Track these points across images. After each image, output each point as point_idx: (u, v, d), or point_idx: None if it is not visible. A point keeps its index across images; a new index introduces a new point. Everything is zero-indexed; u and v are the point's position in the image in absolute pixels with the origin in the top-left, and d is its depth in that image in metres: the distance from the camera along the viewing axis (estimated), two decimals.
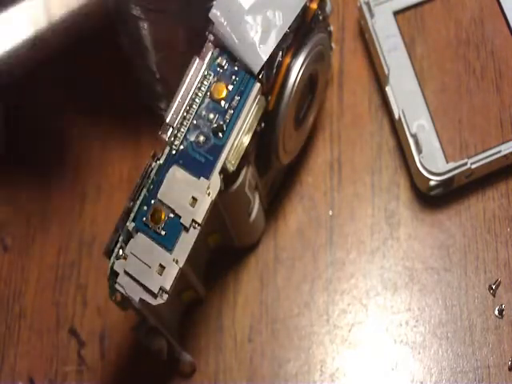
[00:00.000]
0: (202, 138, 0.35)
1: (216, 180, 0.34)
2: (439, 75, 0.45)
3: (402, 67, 0.44)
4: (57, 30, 0.38)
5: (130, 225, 0.34)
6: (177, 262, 0.34)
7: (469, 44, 0.45)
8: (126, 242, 0.34)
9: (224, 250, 0.43)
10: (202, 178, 0.34)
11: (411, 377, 0.41)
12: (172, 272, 0.33)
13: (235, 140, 0.35)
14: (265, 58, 0.34)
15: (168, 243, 0.34)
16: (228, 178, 0.35)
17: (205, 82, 0.35)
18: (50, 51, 0.38)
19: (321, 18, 0.39)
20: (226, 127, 0.35)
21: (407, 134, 0.43)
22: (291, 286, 0.43)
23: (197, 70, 0.35)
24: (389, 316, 0.42)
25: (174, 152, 0.35)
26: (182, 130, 0.35)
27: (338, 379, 0.41)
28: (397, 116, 0.44)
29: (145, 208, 0.34)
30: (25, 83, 0.39)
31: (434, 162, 0.42)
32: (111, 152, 0.46)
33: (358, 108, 0.46)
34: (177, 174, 0.34)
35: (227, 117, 0.35)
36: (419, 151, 0.42)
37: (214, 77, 0.35)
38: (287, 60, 0.37)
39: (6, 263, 0.45)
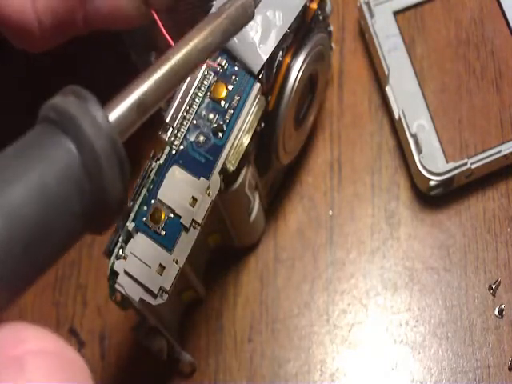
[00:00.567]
0: (201, 138, 0.35)
1: (216, 180, 0.34)
2: (439, 75, 0.45)
3: (402, 67, 0.44)
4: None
5: (130, 225, 0.34)
6: (177, 262, 0.34)
7: (469, 44, 0.45)
8: (126, 241, 0.34)
9: (224, 250, 0.43)
10: (202, 177, 0.34)
11: (411, 377, 0.41)
12: (172, 272, 0.33)
13: (235, 140, 0.35)
14: (265, 57, 0.34)
15: (168, 243, 0.34)
16: (228, 177, 0.35)
17: (205, 82, 0.35)
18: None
19: (321, 18, 0.39)
20: (226, 127, 0.35)
21: (407, 133, 0.43)
22: (291, 286, 0.43)
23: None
24: (389, 316, 0.42)
25: (173, 152, 0.35)
26: (182, 129, 0.35)
27: (338, 379, 0.41)
28: (397, 116, 0.44)
29: (145, 208, 0.34)
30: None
31: (434, 162, 0.42)
32: None
33: (358, 108, 0.46)
34: (177, 173, 0.34)
35: (227, 117, 0.35)
36: (419, 151, 0.42)
37: (213, 77, 0.35)
38: (287, 60, 0.37)
39: None
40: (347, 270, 0.43)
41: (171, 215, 0.34)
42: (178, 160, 0.35)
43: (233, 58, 0.35)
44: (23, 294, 0.21)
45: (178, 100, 0.35)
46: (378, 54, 0.45)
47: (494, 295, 0.42)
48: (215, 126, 0.35)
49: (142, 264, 0.34)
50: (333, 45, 0.43)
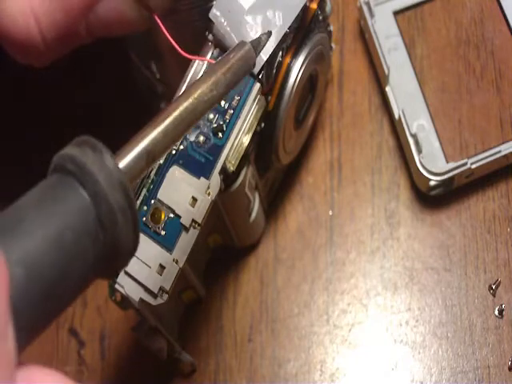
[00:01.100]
0: (201, 138, 0.35)
1: (216, 180, 0.34)
2: (439, 75, 0.45)
3: (402, 67, 0.44)
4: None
5: None
6: (177, 262, 0.34)
7: (469, 44, 0.45)
8: None
9: (224, 250, 0.43)
10: (202, 177, 0.34)
11: (411, 377, 0.41)
12: (172, 272, 0.33)
13: (235, 140, 0.34)
14: (265, 57, 0.34)
15: (168, 243, 0.34)
16: (228, 177, 0.35)
17: None
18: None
19: (321, 18, 0.39)
20: (226, 127, 0.35)
21: (407, 134, 0.43)
22: (291, 286, 0.43)
23: (197, 70, 0.35)
24: (389, 316, 0.42)
25: (173, 152, 0.35)
26: None
27: (338, 379, 0.41)
28: (397, 116, 0.44)
29: (145, 208, 0.34)
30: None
31: (434, 162, 0.42)
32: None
33: (358, 108, 0.46)
34: (177, 173, 0.34)
35: (227, 117, 0.35)
36: (419, 151, 0.42)
37: None
38: (287, 60, 0.37)
39: None
40: (347, 270, 0.43)
41: (171, 215, 0.34)
42: (177, 160, 0.35)
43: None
44: (40, 335, 0.22)
45: None
46: (377, 54, 0.45)
47: (494, 295, 0.42)
48: (215, 126, 0.35)
49: (142, 264, 0.34)
50: (333, 45, 0.43)
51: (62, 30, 0.33)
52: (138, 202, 0.34)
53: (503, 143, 0.43)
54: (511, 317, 0.41)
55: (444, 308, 0.42)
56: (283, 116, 0.37)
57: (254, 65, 0.30)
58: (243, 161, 0.36)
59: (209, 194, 0.34)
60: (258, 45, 0.31)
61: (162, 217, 0.34)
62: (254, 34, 0.34)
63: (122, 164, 0.25)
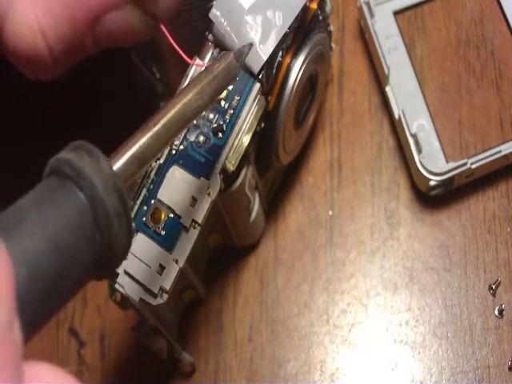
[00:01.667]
0: (201, 138, 0.35)
1: (216, 180, 0.34)
2: (439, 75, 0.45)
3: (402, 67, 0.44)
4: None
5: None
6: (177, 261, 0.34)
7: (469, 44, 0.45)
8: None
9: (224, 250, 0.43)
10: (202, 178, 0.34)
11: (411, 377, 0.41)
12: (172, 272, 0.33)
13: (235, 140, 0.34)
14: (265, 57, 0.34)
15: (168, 243, 0.34)
16: (228, 177, 0.35)
17: None
18: None
19: (321, 18, 0.39)
20: (226, 127, 0.35)
21: (407, 134, 0.43)
22: (291, 286, 0.43)
23: (197, 71, 0.35)
24: (389, 316, 0.42)
25: (173, 152, 0.35)
26: None
27: (338, 379, 0.41)
28: (397, 116, 0.44)
29: (145, 208, 0.34)
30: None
31: (434, 162, 0.42)
32: (111, 152, 0.46)
33: (358, 108, 0.46)
34: (177, 173, 0.34)
35: (227, 117, 0.35)
36: (419, 151, 0.42)
37: None
38: (287, 60, 0.37)
39: None
40: (347, 270, 0.43)
41: (171, 215, 0.34)
42: (177, 160, 0.35)
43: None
44: (39, 331, 0.23)
45: None
46: (377, 54, 0.45)
47: (494, 295, 0.42)
48: (215, 125, 0.35)
49: (142, 264, 0.34)
50: (333, 45, 0.43)
51: (68, 43, 0.34)
52: (138, 202, 0.34)
53: (503, 143, 0.43)
54: (511, 317, 0.41)
55: (444, 308, 0.42)
56: (283, 116, 0.37)
57: (237, 76, 0.31)
58: (243, 161, 0.36)
59: (209, 194, 0.34)
60: (240, 56, 0.32)
61: (162, 217, 0.34)
62: (253, 33, 0.34)
63: (115, 168, 0.26)
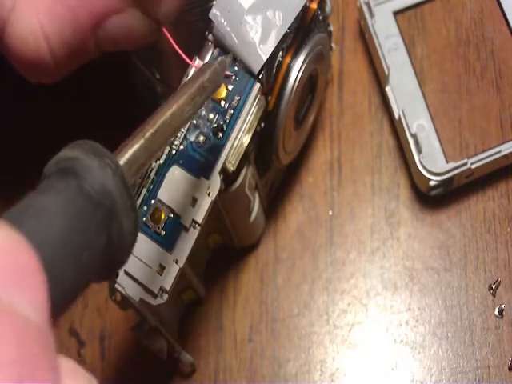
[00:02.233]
0: (201, 138, 0.35)
1: (216, 180, 0.34)
2: (439, 75, 0.45)
3: (402, 67, 0.44)
4: None
5: None
6: (177, 262, 0.34)
7: (469, 44, 0.45)
8: None
9: (224, 250, 0.43)
10: (202, 177, 0.34)
11: (411, 377, 0.41)
12: (172, 272, 0.33)
13: (235, 140, 0.34)
14: (265, 57, 0.34)
15: (168, 243, 0.34)
16: (228, 177, 0.35)
17: None
18: None
19: (321, 18, 0.39)
20: (226, 127, 0.35)
21: (407, 133, 0.43)
22: (291, 286, 0.43)
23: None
24: (389, 316, 0.42)
25: (173, 152, 0.35)
26: (182, 129, 0.35)
27: (337, 379, 0.41)
28: (397, 116, 0.44)
29: (145, 208, 0.34)
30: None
31: (434, 162, 0.42)
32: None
33: (358, 108, 0.46)
34: (177, 173, 0.34)
35: (227, 117, 0.35)
36: (419, 151, 0.42)
37: None
38: (287, 60, 0.37)
39: None
40: (347, 270, 0.43)
41: (171, 215, 0.34)
42: (177, 160, 0.35)
43: (233, 58, 0.35)
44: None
45: None
46: (377, 54, 0.45)
47: (494, 295, 0.42)
48: (215, 125, 0.35)
49: (142, 264, 0.34)
50: (333, 45, 0.43)
51: (71, 48, 0.34)
52: (138, 202, 0.34)
53: (503, 143, 0.43)
54: (511, 317, 0.41)
55: (444, 308, 0.42)
56: (283, 116, 0.37)
57: (221, 84, 0.32)
58: (243, 161, 0.36)
59: (209, 194, 0.34)
60: (224, 65, 0.32)
61: (162, 217, 0.34)
62: (253, 33, 0.34)
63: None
